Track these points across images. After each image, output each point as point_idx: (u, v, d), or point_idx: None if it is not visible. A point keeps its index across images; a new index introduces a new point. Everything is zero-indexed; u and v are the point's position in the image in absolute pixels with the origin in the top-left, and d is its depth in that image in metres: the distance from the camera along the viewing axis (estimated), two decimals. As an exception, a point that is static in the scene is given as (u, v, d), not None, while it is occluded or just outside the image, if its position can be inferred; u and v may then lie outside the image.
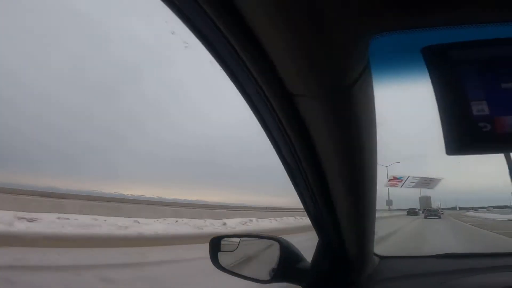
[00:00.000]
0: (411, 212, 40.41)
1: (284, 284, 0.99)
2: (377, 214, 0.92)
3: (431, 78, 0.35)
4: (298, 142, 0.60)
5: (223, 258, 1.04)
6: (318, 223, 0.87)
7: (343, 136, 0.58)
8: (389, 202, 36.95)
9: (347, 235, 0.88)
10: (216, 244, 1.06)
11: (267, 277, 0.95)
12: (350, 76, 0.42)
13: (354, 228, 0.88)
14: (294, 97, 0.48)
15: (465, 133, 0.32)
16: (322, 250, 0.96)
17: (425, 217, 26.02)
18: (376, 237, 1.01)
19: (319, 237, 0.96)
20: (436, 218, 24.61)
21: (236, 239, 1.10)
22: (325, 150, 0.62)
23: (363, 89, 0.48)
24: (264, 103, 0.51)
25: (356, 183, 0.73)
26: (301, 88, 0.46)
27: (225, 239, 1.10)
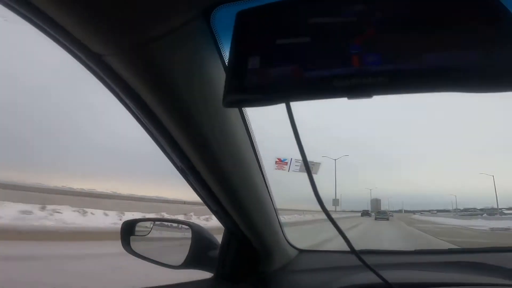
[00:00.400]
0: (365, 213, 45.30)
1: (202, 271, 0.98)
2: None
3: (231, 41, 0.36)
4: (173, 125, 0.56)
5: (136, 242, 1.01)
6: (217, 213, 0.86)
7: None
8: (335, 202, 36.74)
9: (249, 226, 0.89)
10: (129, 228, 1.03)
11: (179, 263, 0.93)
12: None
13: (254, 220, 0.88)
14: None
15: (237, 87, 0.34)
16: (226, 239, 0.95)
17: (376, 219, 28.50)
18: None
19: (224, 227, 0.96)
20: (384, 219, 26.67)
21: (150, 224, 1.07)
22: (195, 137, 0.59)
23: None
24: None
25: (235, 170, 0.73)
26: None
27: (140, 223, 1.06)
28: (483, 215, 48.39)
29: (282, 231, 1.14)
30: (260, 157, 0.80)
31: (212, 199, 0.77)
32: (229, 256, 0.95)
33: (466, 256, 1.17)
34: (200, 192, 0.77)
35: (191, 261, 0.94)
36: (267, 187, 0.89)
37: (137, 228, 1.04)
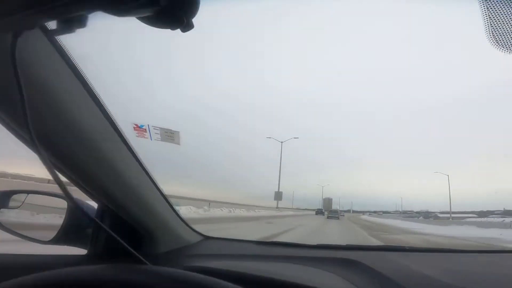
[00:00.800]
0: (319, 212, 46.42)
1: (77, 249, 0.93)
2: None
3: None
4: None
5: (5, 215, 0.94)
6: (81, 186, 0.81)
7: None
8: (278, 196, 33.52)
9: (122, 204, 0.87)
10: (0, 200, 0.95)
11: (50, 239, 0.88)
12: None
13: (127, 197, 0.87)
14: None
15: None
16: (99, 216, 0.92)
17: (328, 217, 29.53)
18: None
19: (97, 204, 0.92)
20: (335, 218, 28.02)
21: (25, 196, 1.00)
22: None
23: None
24: None
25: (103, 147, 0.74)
26: None
27: (15, 196, 0.99)
28: (419, 218, 53.70)
29: (179, 216, 1.15)
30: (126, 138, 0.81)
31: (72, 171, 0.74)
32: (102, 233, 0.92)
33: (359, 253, 1.21)
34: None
35: (63, 237, 0.89)
36: (144, 169, 0.89)
37: (11, 201, 0.97)
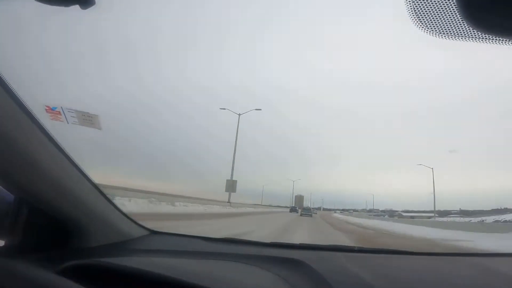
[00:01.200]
0: (293, 209, 48.17)
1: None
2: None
3: None
4: None
5: None
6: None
7: None
8: (230, 187, 26.74)
9: (45, 197, 0.85)
10: None
11: None
12: None
13: (52, 191, 0.85)
14: None
15: None
16: (15, 207, 0.87)
17: (301, 215, 30.17)
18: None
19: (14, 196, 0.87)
20: (308, 216, 28.49)
21: None
22: None
23: None
24: None
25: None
26: None
27: None
28: (385, 216, 56.72)
29: (118, 209, 1.12)
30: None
31: None
32: (19, 226, 0.87)
33: (310, 253, 1.22)
34: None
35: None
36: (70, 161, 0.87)
37: None
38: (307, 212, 32.86)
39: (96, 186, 1.00)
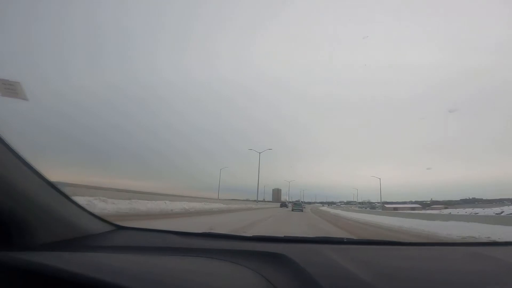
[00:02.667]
0: (283, 205, 50.28)
1: None
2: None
3: None
4: None
5: None
6: None
7: None
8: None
9: None
10: None
11: None
12: None
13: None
14: None
15: None
16: None
17: (292, 210, 31.11)
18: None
19: None
20: (299, 211, 29.30)
21: None
22: None
23: None
24: None
25: None
26: None
27: None
28: (366, 208, 58.77)
29: (76, 204, 1.06)
30: None
31: None
32: None
33: (293, 246, 1.18)
34: None
35: None
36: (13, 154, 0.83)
37: None
38: (298, 207, 33.71)
39: (46, 180, 0.94)
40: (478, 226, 10.40)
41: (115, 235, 1.21)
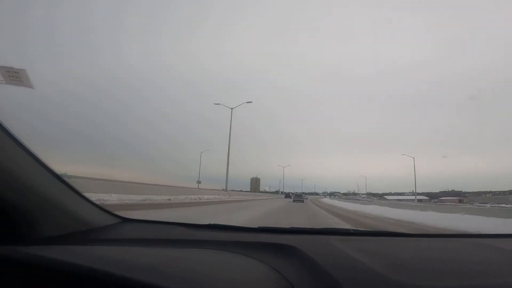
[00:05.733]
0: (288, 196, 52.78)
1: None
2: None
3: None
4: None
5: None
6: None
7: None
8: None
9: None
10: None
11: None
12: None
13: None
14: None
15: None
16: None
17: (294, 201, 31.00)
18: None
19: None
20: (300, 202, 29.40)
21: None
22: None
23: None
24: None
25: None
26: None
27: None
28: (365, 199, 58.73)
29: (81, 195, 1.05)
30: None
31: None
32: None
33: (301, 237, 1.18)
34: None
35: None
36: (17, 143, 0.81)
37: None
38: (299, 198, 33.83)
39: (50, 171, 0.92)
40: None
41: (120, 227, 1.20)
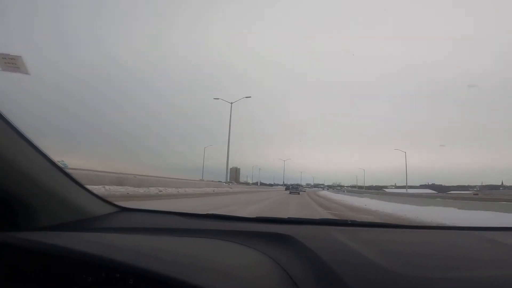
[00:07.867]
0: (288, 188, 52.57)
1: None
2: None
3: None
4: None
5: None
6: None
7: None
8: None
9: None
10: None
11: None
12: None
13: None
14: None
15: None
16: None
17: (290, 193, 31.61)
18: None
19: None
20: (296, 194, 29.97)
21: None
22: None
23: None
24: None
25: None
26: None
27: None
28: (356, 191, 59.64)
29: (79, 184, 1.05)
30: None
31: None
32: None
33: (299, 227, 1.18)
34: None
35: None
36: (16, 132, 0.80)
37: None
38: (295, 190, 34.76)
39: (48, 159, 0.90)
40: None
41: (118, 216, 1.21)
